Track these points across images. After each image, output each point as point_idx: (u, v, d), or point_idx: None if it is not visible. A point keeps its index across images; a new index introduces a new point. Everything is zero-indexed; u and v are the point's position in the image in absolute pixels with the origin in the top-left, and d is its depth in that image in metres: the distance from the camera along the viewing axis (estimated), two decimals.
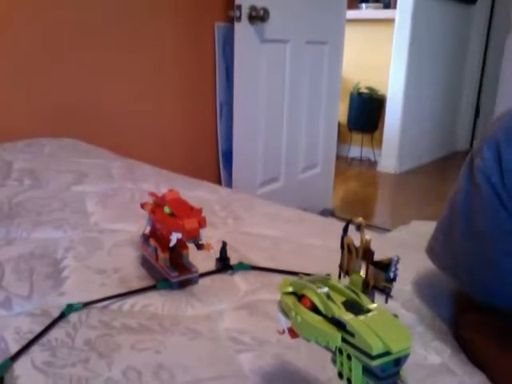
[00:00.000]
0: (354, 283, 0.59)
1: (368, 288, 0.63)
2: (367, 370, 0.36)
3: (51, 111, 1.70)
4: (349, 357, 0.37)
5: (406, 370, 0.37)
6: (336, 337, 0.37)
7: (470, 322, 0.63)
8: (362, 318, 0.37)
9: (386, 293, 0.61)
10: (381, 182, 3.80)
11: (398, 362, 0.36)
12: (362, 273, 0.66)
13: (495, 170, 0.57)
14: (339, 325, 0.38)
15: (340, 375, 0.38)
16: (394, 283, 0.61)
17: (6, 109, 1.60)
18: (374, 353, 0.34)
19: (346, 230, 0.68)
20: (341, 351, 0.38)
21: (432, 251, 0.72)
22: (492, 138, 0.58)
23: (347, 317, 0.37)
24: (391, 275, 0.61)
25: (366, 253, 0.65)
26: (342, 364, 0.38)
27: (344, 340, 0.37)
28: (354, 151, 4.21)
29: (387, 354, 0.35)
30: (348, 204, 3.24)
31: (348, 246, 0.68)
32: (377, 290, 0.63)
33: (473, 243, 0.62)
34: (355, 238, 0.67)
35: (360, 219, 0.65)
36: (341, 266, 0.70)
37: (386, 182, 3.78)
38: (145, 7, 1.92)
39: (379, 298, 0.61)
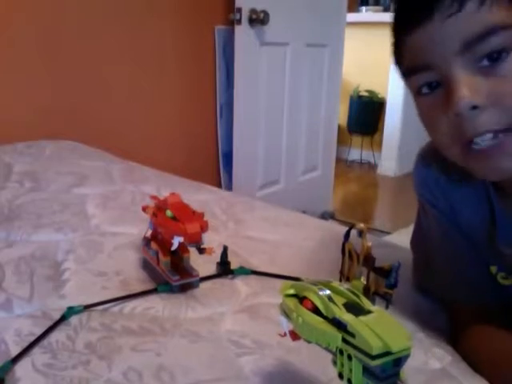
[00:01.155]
0: (355, 289, 0.59)
1: (369, 294, 0.63)
2: (367, 371, 0.36)
3: (51, 113, 1.70)
4: (349, 357, 0.37)
5: (406, 374, 0.37)
6: (337, 337, 0.38)
7: (468, 330, 0.63)
8: (362, 318, 0.37)
9: (387, 299, 0.61)
10: (381, 185, 3.80)
11: (398, 362, 0.36)
12: (363, 279, 0.66)
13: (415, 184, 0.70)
14: (340, 326, 0.38)
15: (340, 376, 0.39)
16: (395, 289, 0.61)
17: (5, 110, 1.60)
18: (374, 352, 0.34)
19: (347, 235, 0.68)
20: (341, 352, 0.38)
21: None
22: (416, 159, 0.70)
23: (348, 317, 0.37)
24: (392, 281, 0.61)
25: (367, 259, 0.65)
26: (342, 365, 0.38)
27: (344, 340, 0.37)
28: (354, 154, 4.21)
29: (387, 353, 0.35)
30: (348, 206, 3.24)
31: (349, 251, 0.68)
32: (378, 296, 0.63)
33: (423, 249, 0.73)
34: (356, 242, 0.67)
35: (362, 225, 0.65)
36: (341, 272, 0.70)
37: (386, 185, 3.78)
38: (145, 10, 1.92)
39: (380, 304, 0.61)
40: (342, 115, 3.60)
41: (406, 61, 0.55)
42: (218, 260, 0.79)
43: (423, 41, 0.51)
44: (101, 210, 1.04)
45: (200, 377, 0.53)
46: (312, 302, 0.41)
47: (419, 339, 0.63)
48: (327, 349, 0.40)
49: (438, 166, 0.66)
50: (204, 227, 0.67)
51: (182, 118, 2.16)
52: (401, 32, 0.54)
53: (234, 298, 0.71)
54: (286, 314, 0.44)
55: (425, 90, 0.54)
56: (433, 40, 0.50)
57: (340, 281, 0.69)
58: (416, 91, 0.55)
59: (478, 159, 0.53)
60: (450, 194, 0.65)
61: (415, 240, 0.76)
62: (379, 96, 3.94)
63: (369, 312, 0.38)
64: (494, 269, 0.65)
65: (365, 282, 0.65)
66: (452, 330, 0.66)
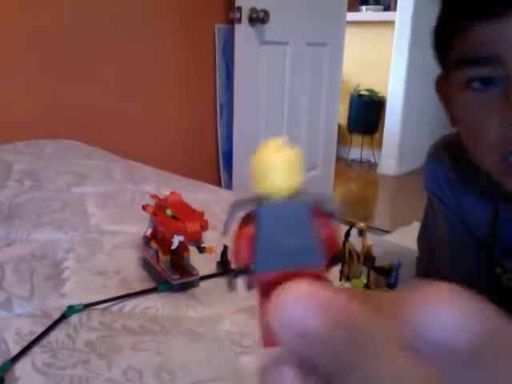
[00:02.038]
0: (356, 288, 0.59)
1: None
2: None
3: (51, 112, 1.70)
4: None
5: None
6: None
7: None
8: None
9: None
10: (381, 184, 3.80)
11: None
12: (364, 278, 0.66)
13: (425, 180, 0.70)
14: None
15: None
16: (395, 289, 0.61)
17: (5, 110, 1.60)
18: None
19: (347, 234, 0.68)
20: None
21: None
22: (427, 155, 0.71)
23: None
24: (393, 280, 0.61)
25: (368, 258, 0.65)
26: None
27: None
28: (354, 153, 4.21)
29: None
30: (348, 205, 3.24)
31: (349, 251, 0.68)
32: None
33: (428, 245, 0.73)
34: (356, 241, 0.67)
35: (362, 224, 0.65)
36: (342, 271, 0.70)
37: (386, 184, 3.78)
38: (145, 10, 1.92)
39: None
40: (342, 114, 3.60)
41: (463, 49, 0.50)
42: (218, 259, 0.79)
43: (496, 32, 0.47)
44: (101, 208, 1.04)
45: (200, 376, 0.53)
46: None
47: None
48: None
49: (448, 164, 0.65)
50: (204, 226, 0.67)
51: (181, 118, 2.16)
52: (467, 18, 0.49)
53: (234, 298, 0.71)
54: None
55: (476, 85, 0.49)
56: (508, 34, 0.46)
57: (340, 280, 0.69)
58: (463, 84, 0.51)
59: None
60: (459, 192, 0.65)
61: (421, 236, 0.75)
62: (379, 95, 3.94)
63: None
64: (499, 270, 0.64)
65: (365, 281, 0.65)
66: None
